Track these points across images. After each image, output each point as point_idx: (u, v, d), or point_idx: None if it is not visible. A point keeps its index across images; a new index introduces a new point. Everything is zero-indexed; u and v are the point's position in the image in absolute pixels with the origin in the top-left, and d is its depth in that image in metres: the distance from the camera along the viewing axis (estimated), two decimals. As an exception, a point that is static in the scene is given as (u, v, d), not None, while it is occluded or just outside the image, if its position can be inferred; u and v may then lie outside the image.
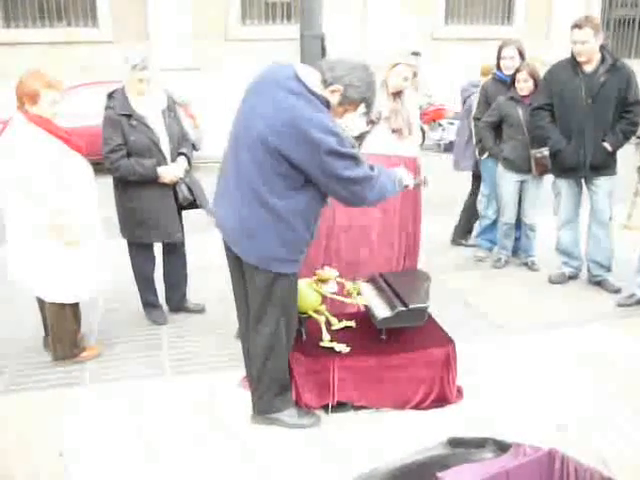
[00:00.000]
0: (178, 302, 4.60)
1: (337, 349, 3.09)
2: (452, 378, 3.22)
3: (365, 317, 3.37)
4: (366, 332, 3.32)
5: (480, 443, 2.21)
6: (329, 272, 3.08)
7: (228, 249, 2.80)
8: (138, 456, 2.85)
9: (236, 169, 2.63)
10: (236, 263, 2.83)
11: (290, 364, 3.09)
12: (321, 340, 3.14)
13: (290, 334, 2.95)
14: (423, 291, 3.28)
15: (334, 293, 3.07)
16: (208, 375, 3.60)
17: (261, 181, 2.54)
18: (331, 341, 3.14)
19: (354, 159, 2.53)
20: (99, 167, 3.89)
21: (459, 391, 3.32)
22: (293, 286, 2.84)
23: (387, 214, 3.87)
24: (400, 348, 3.20)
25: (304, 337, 3.24)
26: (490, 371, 3.63)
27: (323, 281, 3.07)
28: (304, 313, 3.10)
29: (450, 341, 3.27)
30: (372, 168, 2.65)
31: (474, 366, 3.63)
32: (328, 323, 3.25)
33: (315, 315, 3.14)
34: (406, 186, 2.97)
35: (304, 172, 2.53)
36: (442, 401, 3.20)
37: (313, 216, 2.69)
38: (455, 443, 2.24)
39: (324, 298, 3.10)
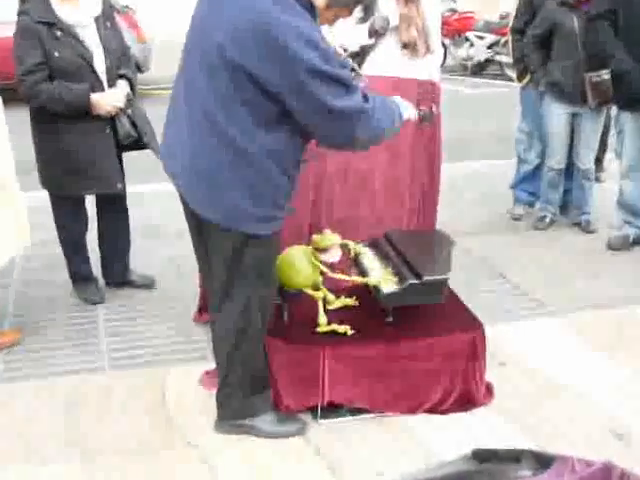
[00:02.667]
0: (119, 274, 4.65)
1: (340, 330, 3.18)
2: (480, 372, 3.29)
3: (366, 293, 3.41)
4: (367, 312, 3.38)
5: (514, 456, 2.24)
6: (329, 237, 3.12)
7: (185, 203, 2.82)
8: (70, 471, 2.91)
9: (190, 97, 2.64)
10: (196, 222, 2.85)
11: (267, 354, 3.11)
12: (316, 324, 3.22)
13: (265, 314, 2.97)
14: (442, 259, 3.31)
15: (338, 269, 3.16)
16: (158, 369, 3.65)
17: (223, 113, 2.54)
18: (329, 324, 3.22)
19: (343, 84, 2.53)
20: (10, 94, 3.88)
21: (488, 389, 3.40)
22: (270, 253, 2.88)
23: (396, 158, 3.89)
24: (411, 333, 3.25)
25: (285, 318, 3.28)
26: (528, 363, 3.69)
27: (322, 250, 3.13)
28: (297, 289, 3.20)
29: (477, 324, 3.33)
30: (366, 98, 2.64)
31: (508, 357, 3.69)
32: (325, 301, 3.33)
33: (311, 291, 3.21)
34: (407, 120, 3.00)
35: (277, 99, 2.52)
36: (466, 402, 3.28)
37: (292, 159, 2.71)
38: (483, 457, 2.29)
39: (325, 273, 3.18)
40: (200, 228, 2.82)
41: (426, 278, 3.11)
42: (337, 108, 2.51)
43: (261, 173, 2.62)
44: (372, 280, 3.17)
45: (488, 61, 14.55)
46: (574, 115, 5.41)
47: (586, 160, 5.52)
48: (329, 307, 3.38)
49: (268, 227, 2.78)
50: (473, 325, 3.31)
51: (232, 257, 2.77)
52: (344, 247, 3.24)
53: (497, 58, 14.22)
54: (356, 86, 2.58)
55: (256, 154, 2.58)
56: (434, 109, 3.39)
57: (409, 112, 3.01)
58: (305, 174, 3.15)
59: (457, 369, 3.23)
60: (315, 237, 3.12)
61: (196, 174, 2.65)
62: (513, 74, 5.86)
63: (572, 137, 5.47)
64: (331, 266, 3.09)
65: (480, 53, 14.02)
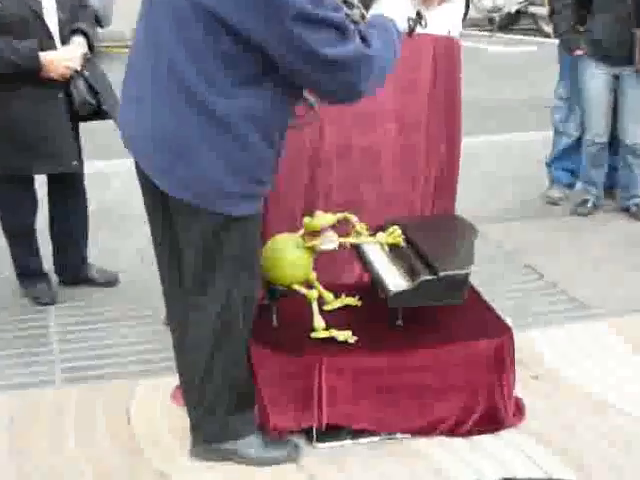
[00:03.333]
0: (74, 269, 4.65)
1: (340, 338, 3.18)
2: (507, 387, 3.28)
3: (371, 291, 3.42)
4: (373, 315, 3.40)
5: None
6: (323, 218, 3.13)
7: (145, 178, 2.80)
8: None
9: (153, 50, 2.64)
10: (158, 202, 2.84)
11: (252, 364, 3.12)
12: (311, 329, 3.24)
13: (249, 314, 2.97)
14: (463, 250, 3.33)
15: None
16: (122, 383, 3.63)
17: (194, 69, 2.54)
18: (327, 328, 3.22)
19: (337, 29, 2.53)
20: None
21: (518, 407, 3.39)
22: (252, 238, 2.88)
23: (408, 130, 3.88)
24: (425, 339, 3.26)
25: (274, 322, 3.29)
26: (566, 376, 3.69)
27: (314, 233, 3.12)
28: (285, 286, 3.19)
29: (504, 328, 3.33)
30: (366, 41, 2.65)
31: (542, 368, 3.69)
32: (321, 301, 3.34)
33: (302, 289, 3.21)
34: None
35: (258, 51, 2.52)
36: (492, 422, 3.27)
37: (276, 124, 2.71)
38: (513, 488, 2.16)
39: (316, 262, 3.21)
40: (165, 209, 2.81)
41: (443, 273, 3.11)
42: (331, 57, 2.53)
43: (238, 140, 2.62)
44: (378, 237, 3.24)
45: (519, 13, 14.52)
46: (617, 78, 5.42)
47: (632, 134, 5.53)
48: (326, 308, 3.39)
49: (250, 207, 2.78)
50: (499, 330, 3.32)
51: (207, 244, 2.78)
52: (344, 223, 3.25)
53: (530, 10, 14.18)
54: (353, 30, 2.58)
55: (232, 117, 2.59)
56: (422, 12, 3.37)
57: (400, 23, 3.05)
58: (298, 148, 3.21)
59: (480, 383, 3.24)
60: (305, 219, 3.13)
61: (160, 141, 2.65)
62: (550, 28, 5.82)
63: (615, 105, 5.50)
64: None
65: (510, 3, 13.95)
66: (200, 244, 2.79)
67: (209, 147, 2.64)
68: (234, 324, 2.91)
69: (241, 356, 3.01)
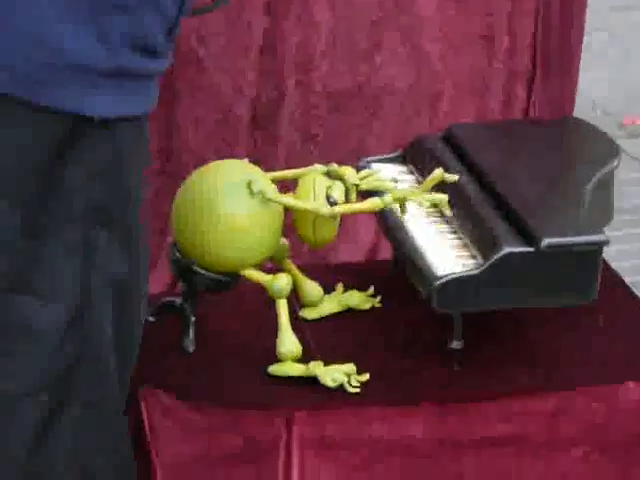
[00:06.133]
0: None
1: (331, 383, 2.32)
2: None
3: (396, 280, 2.65)
4: (400, 329, 2.57)
5: None
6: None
7: None
8: None
9: None
10: None
11: (145, 428, 2.37)
12: (272, 358, 2.41)
13: (133, 329, 2.20)
14: (590, 196, 2.51)
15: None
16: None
17: None
18: (306, 357, 2.38)
19: None
20: None
21: None
22: (132, 178, 2.08)
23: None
24: (508, 382, 2.39)
25: (187, 344, 2.44)
26: None
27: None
28: (228, 273, 2.37)
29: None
30: None
31: None
32: (295, 302, 2.49)
33: (259, 275, 2.36)
34: None
35: None
36: None
37: None
38: None
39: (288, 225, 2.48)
40: None
41: (547, 241, 2.25)
42: None
43: None
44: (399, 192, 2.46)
45: None
46: None
47: None
48: (306, 315, 2.51)
49: (122, 98, 1.99)
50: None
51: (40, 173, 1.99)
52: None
53: None
54: None
55: None
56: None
57: None
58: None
59: (623, 463, 2.40)
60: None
61: None
62: None
63: None
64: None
65: None
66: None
67: None
68: (94, 353, 2.19)
69: (115, 420, 2.27)
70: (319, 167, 2.42)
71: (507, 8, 3.22)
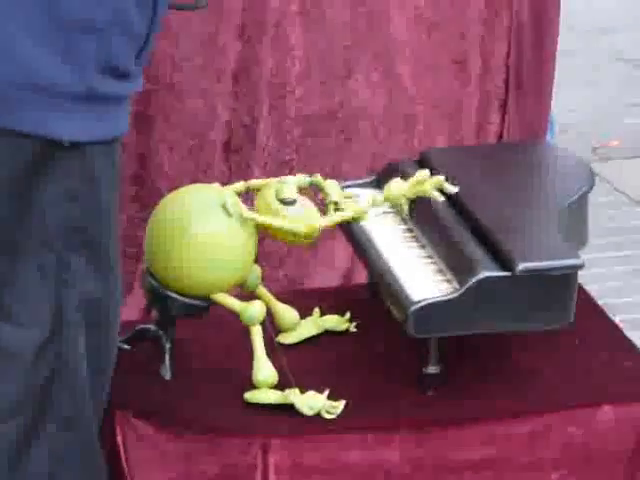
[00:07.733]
0: None
1: (307, 410, 2.29)
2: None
3: (372, 304, 2.63)
4: (377, 354, 2.57)
5: None
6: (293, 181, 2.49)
7: None
8: None
9: None
10: None
11: (120, 454, 2.31)
12: (247, 385, 2.36)
13: (104, 356, 2.15)
14: (566, 220, 2.54)
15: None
16: None
17: None
18: (282, 384, 2.33)
19: None
20: None
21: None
22: (107, 194, 2.06)
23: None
24: (487, 408, 2.35)
25: (167, 374, 2.39)
26: None
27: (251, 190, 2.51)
28: (202, 297, 2.35)
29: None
30: None
31: None
32: (269, 327, 2.43)
33: (231, 302, 2.35)
34: None
35: None
36: None
37: None
38: None
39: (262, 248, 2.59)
40: None
41: (523, 266, 2.21)
42: None
43: None
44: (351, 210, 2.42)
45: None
46: None
47: None
48: (282, 340, 2.48)
49: (91, 122, 1.95)
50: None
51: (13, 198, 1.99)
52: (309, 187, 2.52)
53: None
54: None
55: None
56: None
57: None
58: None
59: None
60: (253, 183, 2.51)
61: None
62: None
63: None
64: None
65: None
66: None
67: None
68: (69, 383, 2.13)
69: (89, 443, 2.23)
70: (302, 178, 2.40)
71: (480, 32, 3.31)
